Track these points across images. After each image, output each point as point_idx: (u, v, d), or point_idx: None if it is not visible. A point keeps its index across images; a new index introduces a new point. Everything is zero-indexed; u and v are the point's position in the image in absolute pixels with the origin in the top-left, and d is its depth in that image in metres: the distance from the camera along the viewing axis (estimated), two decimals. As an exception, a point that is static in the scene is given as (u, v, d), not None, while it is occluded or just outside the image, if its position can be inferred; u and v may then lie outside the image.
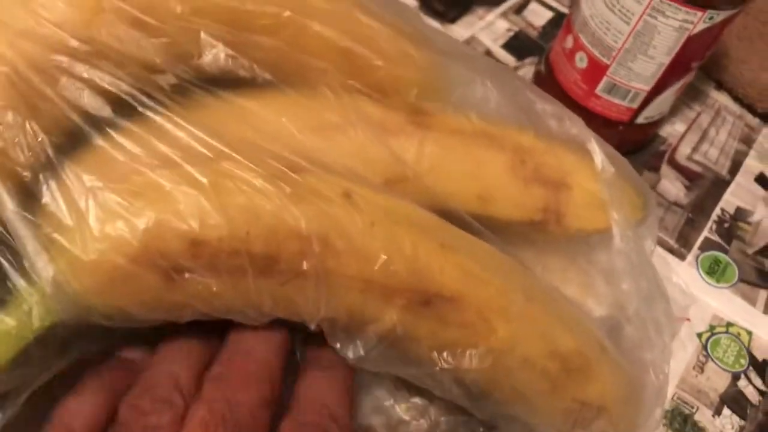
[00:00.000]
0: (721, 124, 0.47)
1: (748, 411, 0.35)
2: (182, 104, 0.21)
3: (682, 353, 0.36)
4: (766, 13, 0.48)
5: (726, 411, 0.34)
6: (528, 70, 0.46)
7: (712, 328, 0.37)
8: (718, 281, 0.39)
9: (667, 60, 0.36)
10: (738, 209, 0.43)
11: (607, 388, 0.25)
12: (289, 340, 0.22)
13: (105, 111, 0.20)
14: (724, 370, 0.36)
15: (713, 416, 0.34)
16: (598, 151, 0.27)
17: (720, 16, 0.33)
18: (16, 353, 0.19)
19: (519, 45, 0.48)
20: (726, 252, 0.41)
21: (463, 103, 0.26)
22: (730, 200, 0.43)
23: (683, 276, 0.38)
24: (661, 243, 0.40)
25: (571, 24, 0.39)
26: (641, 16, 0.34)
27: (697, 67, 0.38)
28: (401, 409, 0.27)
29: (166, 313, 0.20)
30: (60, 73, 0.20)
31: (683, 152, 0.45)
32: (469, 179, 0.25)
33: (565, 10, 0.51)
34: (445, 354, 0.23)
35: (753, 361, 0.37)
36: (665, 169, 0.44)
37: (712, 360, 0.36)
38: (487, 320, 0.23)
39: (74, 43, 0.20)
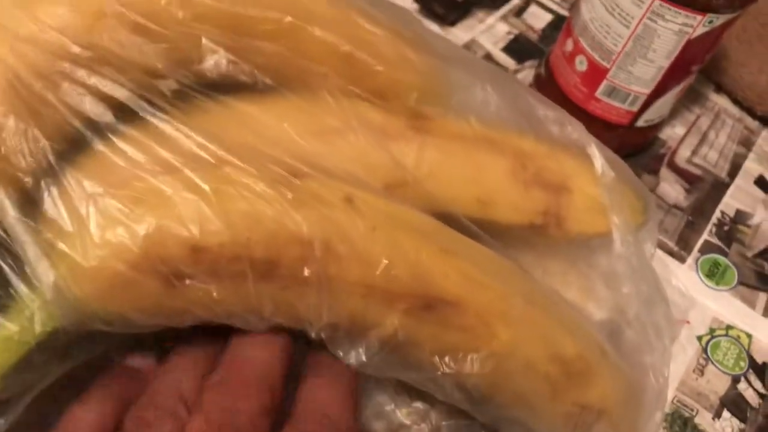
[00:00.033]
0: (720, 127, 0.47)
1: (748, 414, 0.35)
2: (183, 109, 0.21)
3: (682, 356, 0.36)
4: (765, 15, 0.48)
5: (726, 414, 0.35)
6: (528, 73, 0.46)
7: (712, 330, 0.37)
8: (717, 284, 0.39)
9: (666, 63, 0.36)
10: (737, 212, 0.43)
11: (608, 392, 0.25)
12: (291, 346, 0.22)
13: (106, 116, 0.20)
14: (724, 372, 0.36)
15: (713, 419, 0.34)
16: (598, 156, 0.27)
17: (719, 19, 0.33)
18: (18, 359, 0.19)
19: (519, 48, 0.48)
20: (726, 255, 0.41)
21: (463, 107, 0.26)
22: (729, 203, 0.43)
23: (683, 279, 0.38)
24: (661, 246, 0.40)
25: (571, 27, 0.39)
26: (641, 19, 0.34)
27: (697, 70, 0.38)
28: (402, 413, 0.27)
29: (166, 318, 0.20)
30: (62, 78, 0.20)
31: (683, 155, 0.45)
32: (469, 183, 0.25)
33: (564, 12, 0.51)
34: (446, 358, 0.23)
35: (753, 363, 0.37)
36: (665, 172, 0.44)
37: (712, 363, 0.36)
38: (488, 324, 0.23)
39: (76, 48, 0.20)
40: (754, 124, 0.48)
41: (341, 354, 0.22)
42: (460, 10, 0.49)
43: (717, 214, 0.42)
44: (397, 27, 0.26)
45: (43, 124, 0.20)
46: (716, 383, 0.35)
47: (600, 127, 0.40)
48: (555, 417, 0.25)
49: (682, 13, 0.33)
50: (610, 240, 0.27)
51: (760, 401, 0.35)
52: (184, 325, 0.21)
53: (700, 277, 0.39)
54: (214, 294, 0.20)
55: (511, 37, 0.49)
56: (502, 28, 0.49)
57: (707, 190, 0.44)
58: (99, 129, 0.20)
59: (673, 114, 0.45)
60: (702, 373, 0.36)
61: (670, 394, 0.35)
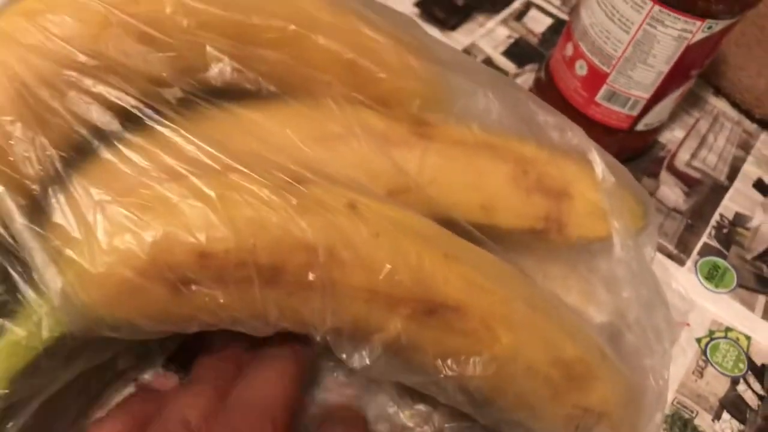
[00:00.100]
0: (719, 130, 0.47)
1: (748, 415, 0.35)
2: (188, 117, 0.21)
3: (682, 358, 0.36)
4: (763, 19, 0.48)
5: (725, 415, 0.35)
6: (528, 77, 0.47)
7: (711, 333, 0.38)
8: (716, 286, 0.40)
9: (666, 68, 0.36)
10: (737, 215, 0.43)
11: (608, 394, 0.26)
12: (304, 374, 0.23)
13: (113, 125, 0.20)
14: (724, 374, 0.36)
15: (713, 421, 0.34)
16: (598, 161, 0.27)
17: (719, 25, 0.34)
18: (26, 363, 0.19)
19: (519, 52, 0.48)
20: (725, 257, 0.41)
21: (465, 114, 0.26)
22: (728, 206, 0.43)
23: (682, 281, 0.38)
24: (661, 249, 0.40)
25: (571, 32, 0.39)
26: (640, 25, 0.34)
27: (697, 74, 0.38)
28: (405, 416, 0.28)
29: (173, 324, 0.20)
30: (68, 87, 0.20)
31: (682, 158, 0.45)
32: (471, 189, 0.25)
33: (565, 17, 0.51)
34: (449, 362, 0.23)
35: (752, 365, 0.37)
36: (664, 175, 0.44)
37: (712, 365, 0.36)
38: (491, 328, 0.23)
39: (82, 57, 0.20)
40: (752, 127, 0.48)
41: (345, 357, 0.22)
42: (461, 15, 0.49)
43: (716, 216, 0.43)
44: (399, 34, 0.26)
45: (51, 132, 0.20)
46: (716, 385, 0.36)
47: (600, 131, 0.40)
48: (556, 419, 0.25)
49: (682, 18, 0.33)
50: (611, 244, 0.27)
51: (759, 403, 0.35)
52: (191, 331, 0.21)
53: (699, 280, 0.40)
54: (221, 300, 0.20)
55: (512, 41, 0.49)
56: (503, 32, 0.49)
57: (706, 193, 0.44)
58: (105, 137, 0.20)
59: (672, 117, 0.45)
60: (701, 375, 0.36)
61: (670, 396, 0.35)
